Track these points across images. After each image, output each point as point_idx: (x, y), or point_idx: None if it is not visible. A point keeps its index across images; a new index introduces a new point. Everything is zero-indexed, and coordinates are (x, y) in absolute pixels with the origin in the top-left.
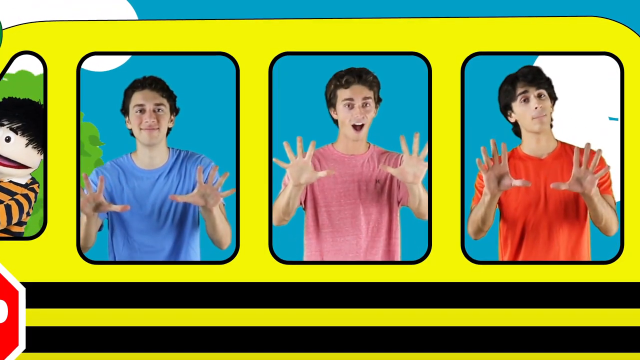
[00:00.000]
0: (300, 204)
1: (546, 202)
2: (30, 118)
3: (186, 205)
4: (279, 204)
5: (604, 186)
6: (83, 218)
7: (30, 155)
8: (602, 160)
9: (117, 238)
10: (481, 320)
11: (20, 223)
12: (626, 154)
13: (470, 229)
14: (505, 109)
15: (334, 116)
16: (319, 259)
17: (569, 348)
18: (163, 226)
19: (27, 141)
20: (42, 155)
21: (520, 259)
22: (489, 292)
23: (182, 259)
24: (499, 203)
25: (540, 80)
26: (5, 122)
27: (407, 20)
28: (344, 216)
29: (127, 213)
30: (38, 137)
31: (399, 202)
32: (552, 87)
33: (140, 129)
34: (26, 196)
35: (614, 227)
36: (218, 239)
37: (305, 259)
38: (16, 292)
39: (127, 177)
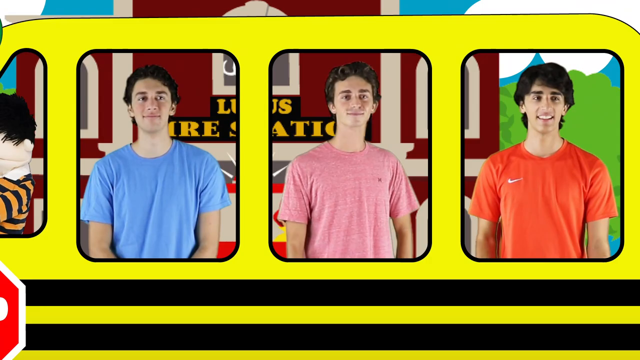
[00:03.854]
0: (311, 207)
1: (543, 202)
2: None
3: (187, 198)
4: None
5: (599, 210)
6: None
7: (9, 150)
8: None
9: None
10: (481, 317)
11: (13, 221)
12: (626, 153)
13: None
14: (518, 99)
15: (332, 111)
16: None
17: (569, 346)
18: (162, 215)
19: (1, 137)
20: (23, 146)
21: (510, 254)
22: (489, 289)
23: (177, 250)
24: (503, 198)
25: (559, 82)
26: None
27: (407, 18)
28: (349, 214)
29: (127, 202)
30: (12, 131)
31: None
32: (570, 90)
33: (143, 116)
34: (16, 193)
35: None
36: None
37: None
38: (16, 290)
39: (127, 167)
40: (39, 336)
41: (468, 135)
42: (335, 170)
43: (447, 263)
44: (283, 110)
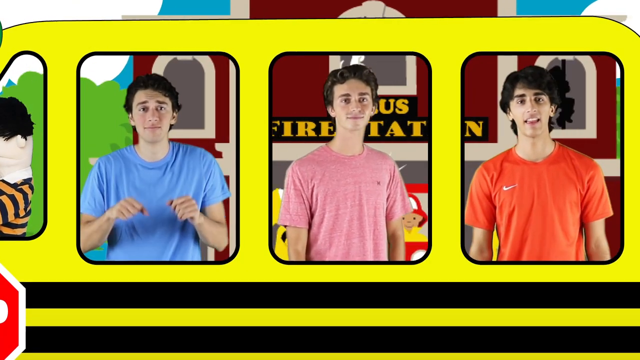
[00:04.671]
0: (311, 212)
1: (538, 207)
2: None
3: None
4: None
5: (597, 211)
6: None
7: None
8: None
9: (115, 232)
10: (481, 320)
11: (11, 225)
12: (626, 154)
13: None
14: (504, 106)
15: (332, 114)
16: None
17: (568, 348)
18: (163, 217)
19: None
20: (15, 142)
21: (506, 259)
22: (489, 292)
23: (180, 252)
24: (498, 206)
25: (540, 83)
26: None
27: (408, 20)
28: (350, 219)
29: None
30: (3, 128)
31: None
32: (553, 90)
33: (144, 127)
34: (12, 197)
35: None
36: (211, 245)
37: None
38: (16, 292)
39: (129, 168)
40: (39, 339)
41: (585, 135)
42: (336, 174)
43: (447, 266)
44: (400, 110)
